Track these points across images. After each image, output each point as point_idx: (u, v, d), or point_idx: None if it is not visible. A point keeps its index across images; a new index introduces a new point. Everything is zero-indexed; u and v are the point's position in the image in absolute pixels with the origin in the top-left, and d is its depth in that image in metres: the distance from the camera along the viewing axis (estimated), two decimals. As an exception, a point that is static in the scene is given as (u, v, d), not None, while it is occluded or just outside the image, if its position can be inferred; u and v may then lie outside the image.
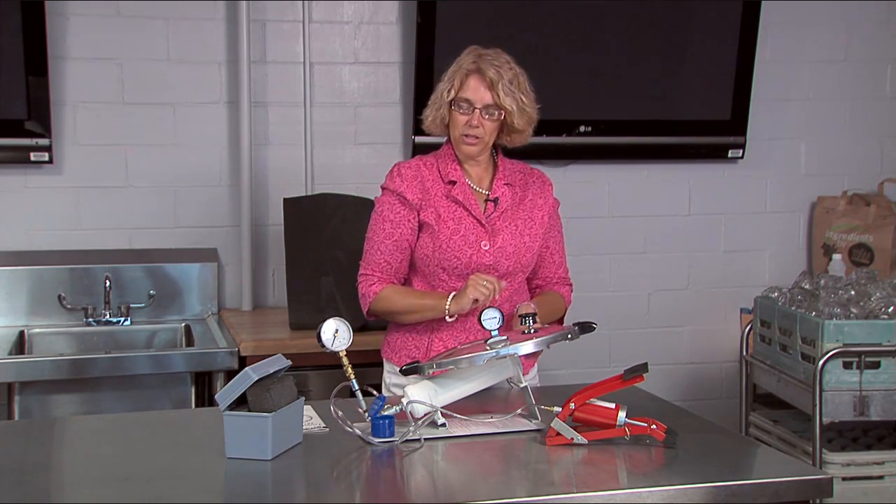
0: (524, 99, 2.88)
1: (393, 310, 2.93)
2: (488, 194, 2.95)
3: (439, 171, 2.96)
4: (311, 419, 2.56)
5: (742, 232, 4.58)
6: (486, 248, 2.90)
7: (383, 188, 2.99)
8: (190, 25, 4.03)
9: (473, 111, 2.86)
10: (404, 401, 2.47)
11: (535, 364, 3.09)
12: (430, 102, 2.98)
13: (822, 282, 3.82)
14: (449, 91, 2.90)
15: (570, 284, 3.10)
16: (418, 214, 2.93)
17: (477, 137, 2.89)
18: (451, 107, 2.90)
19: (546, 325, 2.86)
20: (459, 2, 4.09)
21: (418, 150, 4.19)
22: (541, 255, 3.02)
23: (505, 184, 2.97)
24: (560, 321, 3.07)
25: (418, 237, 2.93)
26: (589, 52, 4.26)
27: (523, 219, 2.97)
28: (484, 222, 2.92)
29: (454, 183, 2.94)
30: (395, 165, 3.01)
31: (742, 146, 4.47)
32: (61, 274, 3.89)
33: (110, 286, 3.86)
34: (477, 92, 2.86)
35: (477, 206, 2.93)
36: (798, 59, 4.61)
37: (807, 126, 4.64)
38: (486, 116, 2.87)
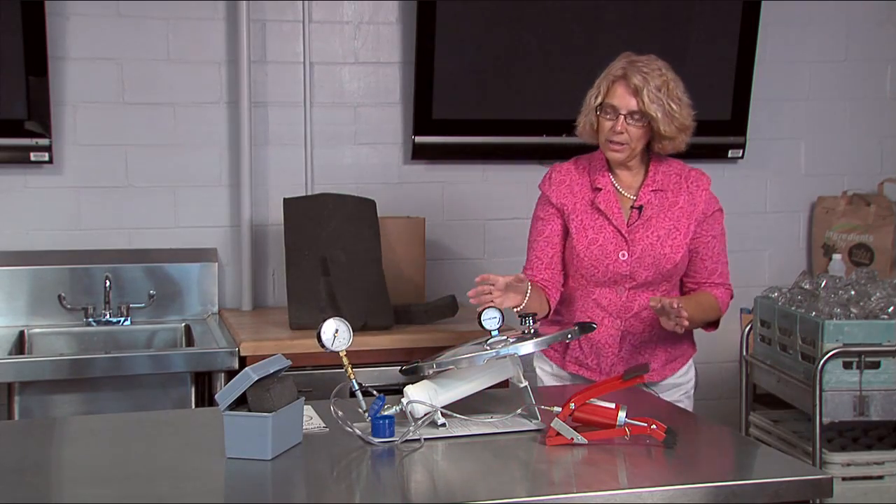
0: (672, 105, 2.88)
1: None
2: (635, 200, 2.99)
3: (590, 176, 3.01)
4: (311, 419, 2.56)
5: (742, 232, 4.58)
6: (624, 258, 2.94)
7: (539, 188, 3.11)
8: (190, 25, 4.03)
9: (618, 117, 2.89)
10: (404, 401, 2.47)
11: (689, 363, 3.13)
12: (581, 109, 3.01)
13: (822, 282, 3.82)
14: (596, 97, 2.93)
15: (727, 287, 3.08)
16: (564, 218, 3.02)
17: (622, 144, 2.91)
18: (597, 112, 2.93)
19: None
20: (459, 2, 4.09)
21: (418, 150, 4.20)
22: (692, 261, 3.02)
23: (653, 190, 2.98)
24: (715, 324, 3.09)
25: (565, 240, 3.03)
26: (589, 52, 4.26)
27: (667, 227, 2.97)
28: (624, 232, 2.95)
29: (600, 190, 2.98)
30: (550, 168, 3.10)
31: (742, 146, 4.47)
32: (61, 274, 3.89)
33: (110, 286, 3.86)
34: (622, 98, 2.89)
35: (620, 215, 2.97)
36: (798, 59, 4.61)
37: (807, 126, 4.64)
38: (631, 122, 2.88)
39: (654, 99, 2.85)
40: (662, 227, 2.96)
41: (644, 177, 3.00)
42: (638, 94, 2.86)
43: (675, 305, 2.78)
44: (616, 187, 3.00)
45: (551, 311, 3.06)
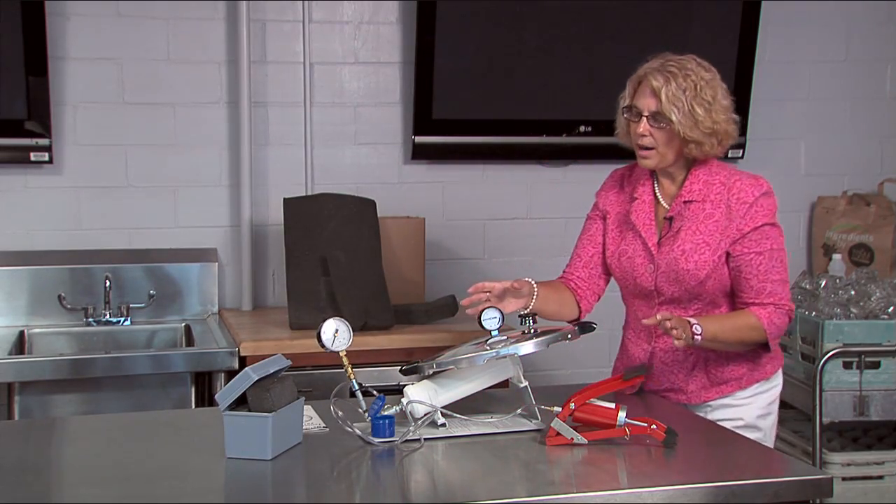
0: (697, 108, 2.71)
1: None
2: (668, 211, 2.84)
3: (633, 184, 2.91)
4: (311, 419, 2.56)
5: (742, 232, 4.58)
6: (650, 272, 2.82)
7: None
8: (190, 25, 4.03)
9: (641, 119, 2.76)
10: (404, 401, 2.47)
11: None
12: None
13: (822, 282, 3.83)
14: (623, 98, 2.84)
15: (778, 307, 2.76)
16: (604, 224, 2.95)
17: (649, 149, 2.77)
18: (624, 115, 2.82)
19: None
20: (459, 2, 4.09)
21: (418, 150, 4.20)
22: (736, 279, 2.78)
23: (685, 201, 2.80)
24: (766, 345, 2.80)
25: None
26: (589, 52, 4.26)
27: (695, 242, 2.77)
28: (650, 245, 2.82)
29: (636, 200, 2.87)
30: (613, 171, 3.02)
31: (742, 146, 4.47)
32: (61, 274, 3.89)
33: (110, 286, 3.86)
34: (643, 99, 2.76)
35: (651, 226, 2.84)
36: (798, 59, 4.61)
37: (807, 126, 4.64)
38: (653, 125, 2.75)
39: (674, 100, 2.70)
40: (690, 241, 2.77)
41: (681, 185, 2.84)
42: (657, 95, 2.72)
43: (659, 319, 2.57)
44: (657, 196, 2.86)
45: (583, 313, 2.97)
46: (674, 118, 2.70)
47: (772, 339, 2.78)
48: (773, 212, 2.82)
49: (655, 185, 2.88)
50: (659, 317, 2.57)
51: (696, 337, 2.62)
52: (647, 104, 2.75)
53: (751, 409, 2.85)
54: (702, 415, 2.81)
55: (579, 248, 3.00)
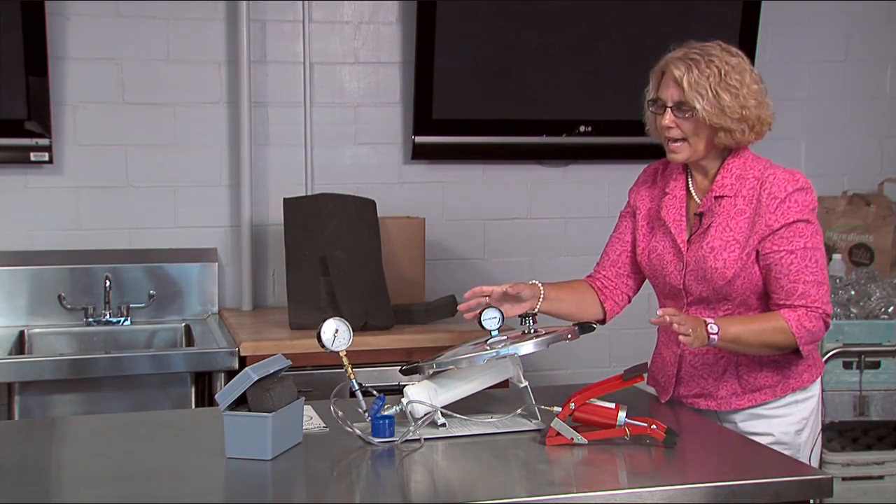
0: (723, 94, 2.58)
1: None
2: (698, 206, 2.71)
3: (666, 179, 2.79)
4: (311, 419, 2.56)
5: (742, 232, 4.58)
6: (680, 269, 2.70)
7: None
8: (190, 25, 4.03)
9: (665, 110, 2.64)
10: (404, 401, 2.47)
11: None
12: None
13: (822, 282, 3.82)
14: (648, 91, 2.72)
15: (811, 309, 2.58)
16: (635, 220, 2.85)
17: (677, 141, 2.65)
18: (650, 108, 2.71)
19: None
20: (459, 2, 4.09)
21: (418, 150, 4.20)
22: (767, 279, 2.63)
23: (717, 196, 2.67)
24: (797, 351, 2.62)
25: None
26: (589, 52, 4.26)
27: (724, 239, 2.64)
28: (680, 242, 2.70)
29: (667, 195, 2.76)
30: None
31: (742, 146, 4.46)
32: (61, 274, 3.89)
33: (110, 286, 3.86)
34: (665, 89, 2.65)
35: (682, 223, 2.72)
36: (798, 59, 4.61)
37: (807, 126, 4.64)
38: (678, 115, 2.63)
39: (696, 86, 2.58)
40: (719, 238, 2.64)
41: (713, 179, 2.71)
42: (679, 84, 2.60)
43: (661, 314, 2.47)
44: (690, 190, 2.74)
45: (608, 314, 2.89)
46: (697, 105, 2.59)
47: (802, 344, 2.60)
48: (808, 208, 2.63)
49: (689, 180, 2.76)
50: (662, 313, 2.47)
51: (711, 336, 2.51)
52: (670, 94, 2.64)
53: (784, 421, 2.68)
54: (730, 426, 2.67)
55: (608, 247, 2.91)
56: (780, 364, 2.67)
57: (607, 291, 2.89)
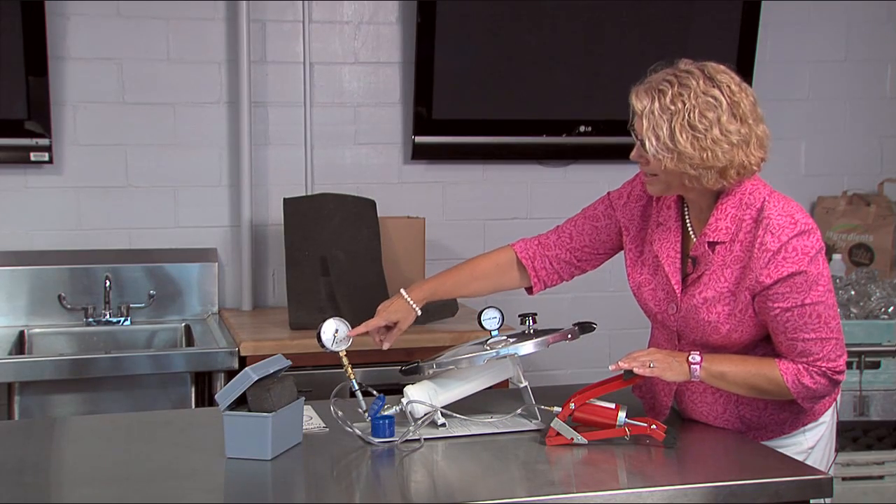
0: (680, 136, 2.24)
1: None
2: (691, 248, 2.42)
3: (662, 204, 2.48)
4: (311, 419, 2.56)
5: (742, 232, 4.58)
6: (673, 312, 2.44)
7: (608, 193, 2.64)
8: (190, 25, 4.03)
9: (636, 143, 2.34)
10: (404, 401, 2.47)
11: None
12: None
13: (822, 282, 3.82)
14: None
15: (811, 365, 2.32)
16: (622, 237, 2.56)
17: (650, 175, 2.36)
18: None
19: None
20: (459, 2, 4.09)
21: (418, 150, 4.20)
22: (767, 329, 2.36)
23: (710, 241, 2.35)
24: (790, 402, 2.41)
25: (613, 251, 2.62)
26: (589, 52, 4.26)
27: (719, 290, 2.35)
28: (673, 283, 2.42)
29: (661, 225, 2.46)
30: (635, 176, 2.56)
31: (742, 146, 4.46)
32: (61, 274, 3.89)
33: (110, 286, 3.86)
34: (635, 121, 2.34)
35: (675, 263, 2.42)
36: (798, 59, 4.61)
37: (807, 126, 4.64)
38: (644, 151, 2.32)
39: (652, 123, 2.27)
40: (713, 288, 2.35)
41: (707, 219, 2.38)
42: (640, 117, 2.30)
43: (619, 364, 2.32)
44: (686, 223, 2.44)
45: (532, 292, 2.70)
46: (648, 148, 2.28)
47: (802, 400, 2.36)
48: (808, 256, 2.27)
49: (685, 210, 2.45)
50: (623, 364, 2.30)
51: (693, 367, 2.33)
52: (636, 125, 2.33)
53: (789, 451, 2.45)
54: None
55: (572, 228, 2.64)
56: (786, 402, 2.44)
57: (542, 273, 2.68)
